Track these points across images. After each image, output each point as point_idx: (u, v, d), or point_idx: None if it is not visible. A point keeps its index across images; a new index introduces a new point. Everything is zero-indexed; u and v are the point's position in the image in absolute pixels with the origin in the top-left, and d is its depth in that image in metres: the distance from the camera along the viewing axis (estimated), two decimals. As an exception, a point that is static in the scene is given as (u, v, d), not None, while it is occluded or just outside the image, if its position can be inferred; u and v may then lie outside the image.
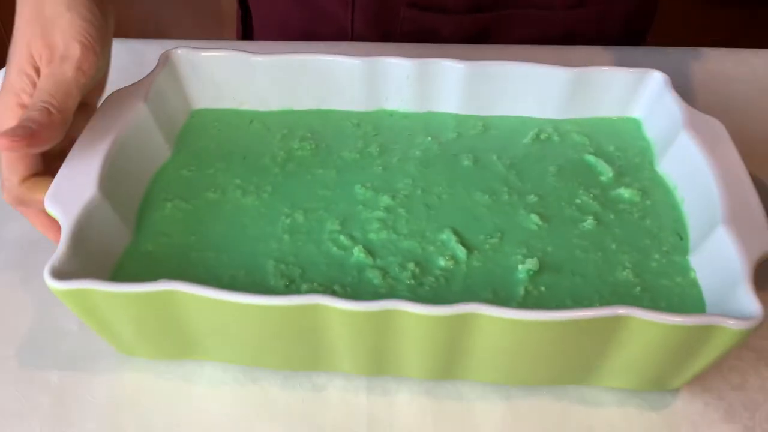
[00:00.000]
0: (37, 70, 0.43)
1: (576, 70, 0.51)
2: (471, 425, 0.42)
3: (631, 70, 0.51)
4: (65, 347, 0.45)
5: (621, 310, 0.35)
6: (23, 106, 0.42)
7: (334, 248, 0.44)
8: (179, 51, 0.52)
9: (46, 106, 0.41)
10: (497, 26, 0.70)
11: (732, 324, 0.35)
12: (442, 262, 0.43)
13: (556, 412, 0.42)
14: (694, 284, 0.42)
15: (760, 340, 0.45)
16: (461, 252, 0.44)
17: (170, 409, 0.43)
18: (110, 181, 0.43)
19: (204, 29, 1.52)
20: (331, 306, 0.36)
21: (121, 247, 0.44)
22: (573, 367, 0.40)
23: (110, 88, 0.50)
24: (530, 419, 0.42)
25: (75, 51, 0.43)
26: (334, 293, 0.41)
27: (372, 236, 0.45)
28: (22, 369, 0.44)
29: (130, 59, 0.57)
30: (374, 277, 0.43)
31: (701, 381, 0.43)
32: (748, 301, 0.36)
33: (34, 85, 0.43)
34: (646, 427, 0.41)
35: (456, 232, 0.45)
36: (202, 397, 0.43)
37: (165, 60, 0.52)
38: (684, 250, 0.44)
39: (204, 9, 1.48)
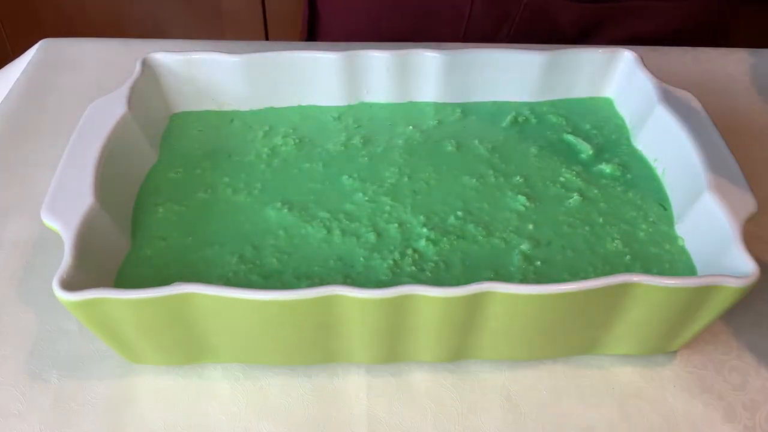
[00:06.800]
0: None
1: (548, 53, 0.53)
2: (472, 425, 0.42)
3: (601, 50, 0.53)
4: (65, 347, 0.45)
5: (635, 278, 0.37)
6: None
7: (332, 240, 0.45)
8: (157, 56, 0.52)
9: None
10: (614, 18, 0.69)
11: (733, 282, 0.37)
12: (439, 247, 0.44)
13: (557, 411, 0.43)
14: (683, 251, 0.44)
15: (761, 341, 0.46)
16: (456, 236, 0.45)
17: (170, 409, 0.43)
18: (103, 189, 0.43)
19: (204, 29, 1.50)
20: (349, 296, 0.36)
21: (121, 255, 0.44)
22: (580, 336, 0.42)
23: (110, 87, 0.50)
24: (531, 415, 0.43)
25: None
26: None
27: (368, 226, 0.46)
28: (22, 369, 0.44)
29: (130, 59, 0.57)
30: (376, 266, 0.43)
31: (702, 381, 0.44)
32: (742, 260, 0.38)
33: None
34: (646, 427, 0.42)
35: (448, 216, 0.46)
36: (202, 397, 0.43)
37: (143, 65, 0.51)
38: (669, 220, 0.46)
39: (204, 9, 1.47)
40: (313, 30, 0.85)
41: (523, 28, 0.71)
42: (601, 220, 0.46)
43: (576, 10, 0.69)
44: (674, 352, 0.45)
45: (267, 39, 1.53)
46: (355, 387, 0.44)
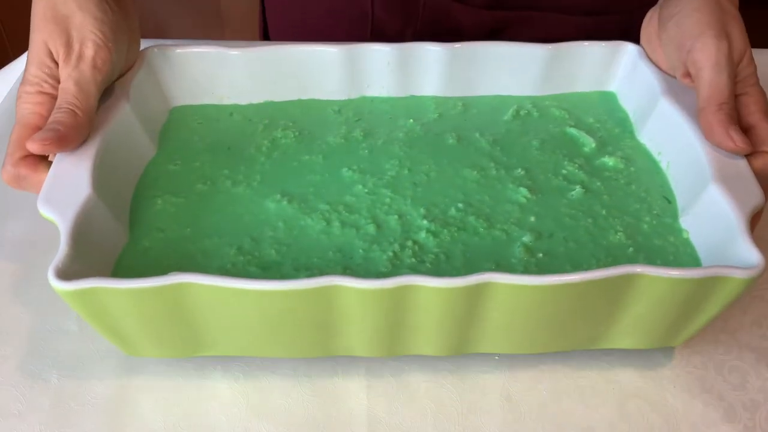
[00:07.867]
0: (56, 63, 0.45)
1: (551, 46, 0.52)
2: (472, 425, 0.42)
3: (604, 43, 0.53)
4: (65, 347, 0.45)
5: (639, 269, 0.36)
6: (43, 94, 0.45)
7: (331, 232, 0.45)
8: (156, 49, 0.52)
9: (71, 108, 0.43)
10: (515, 25, 0.69)
11: (738, 274, 0.36)
12: (439, 239, 0.44)
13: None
14: (687, 243, 0.43)
15: (761, 341, 0.46)
16: (457, 227, 0.45)
17: (170, 409, 0.43)
18: (101, 180, 0.43)
19: (204, 29, 1.51)
20: (348, 286, 0.36)
21: (118, 246, 0.43)
22: (582, 329, 0.41)
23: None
24: (531, 415, 0.43)
25: (89, 50, 0.45)
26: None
27: (367, 218, 0.45)
28: (22, 369, 0.44)
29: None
30: (376, 257, 0.43)
31: (702, 381, 0.44)
32: (749, 252, 0.38)
33: (53, 76, 0.45)
34: (646, 427, 0.42)
35: (449, 208, 0.46)
36: (202, 397, 0.43)
37: (142, 59, 0.51)
38: (674, 213, 0.45)
39: (204, 8, 1.47)
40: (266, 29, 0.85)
41: (427, 28, 0.71)
42: (604, 212, 0.46)
43: (476, 15, 0.69)
44: (674, 353, 0.45)
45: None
46: (355, 387, 0.44)
